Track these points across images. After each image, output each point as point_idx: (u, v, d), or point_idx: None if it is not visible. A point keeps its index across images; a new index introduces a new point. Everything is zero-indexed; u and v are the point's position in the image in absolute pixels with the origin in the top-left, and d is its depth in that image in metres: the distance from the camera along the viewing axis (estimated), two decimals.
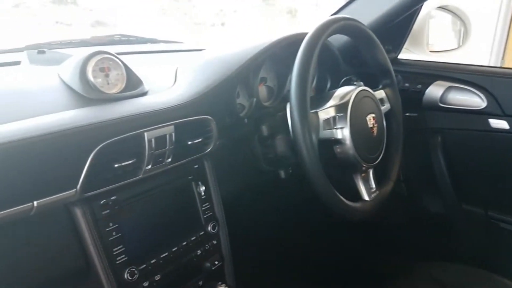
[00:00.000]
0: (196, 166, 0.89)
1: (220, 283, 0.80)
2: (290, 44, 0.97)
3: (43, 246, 0.69)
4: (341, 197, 0.87)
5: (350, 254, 1.48)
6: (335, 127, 0.89)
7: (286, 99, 0.88)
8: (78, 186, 0.67)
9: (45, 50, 1.00)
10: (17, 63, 0.94)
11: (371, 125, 0.96)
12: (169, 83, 0.90)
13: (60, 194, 0.65)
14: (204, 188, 0.90)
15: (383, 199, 0.99)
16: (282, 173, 1.02)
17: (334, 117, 0.90)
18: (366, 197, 0.96)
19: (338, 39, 1.18)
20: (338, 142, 0.89)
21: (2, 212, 0.59)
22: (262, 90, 1.12)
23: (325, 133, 0.88)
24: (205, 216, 0.90)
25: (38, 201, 0.62)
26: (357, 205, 0.92)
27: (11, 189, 0.60)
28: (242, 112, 1.00)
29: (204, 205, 0.90)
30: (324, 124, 0.88)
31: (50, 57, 0.97)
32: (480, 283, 1.06)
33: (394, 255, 1.32)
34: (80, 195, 0.68)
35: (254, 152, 1.01)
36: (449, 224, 1.24)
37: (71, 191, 0.66)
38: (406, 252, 1.24)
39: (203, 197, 0.90)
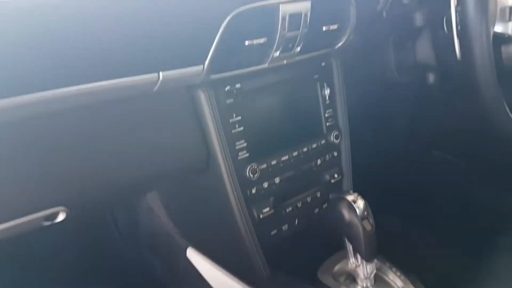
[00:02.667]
0: (323, 64, 0.78)
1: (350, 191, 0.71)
2: None
3: (163, 131, 0.63)
4: None
5: None
6: None
7: None
8: (206, 62, 0.58)
9: None
10: None
11: None
12: None
13: (187, 69, 0.57)
14: (329, 91, 0.79)
15: None
16: (431, 77, 0.85)
17: None
18: None
19: None
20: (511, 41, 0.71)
21: (128, 79, 0.52)
22: None
23: (498, 27, 0.70)
24: (327, 124, 0.80)
25: (164, 72, 0.55)
26: None
27: (138, 54, 0.53)
28: (377, 4, 0.85)
29: (327, 111, 0.80)
30: (500, 14, 0.70)
31: None
32: None
33: None
34: (206, 75, 0.60)
35: (385, 60, 0.87)
36: None
37: (199, 67, 0.58)
38: None
39: (327, 102, 0.80)
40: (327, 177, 0.81)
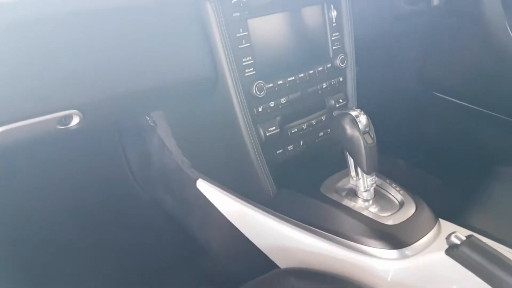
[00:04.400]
0: None
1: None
2: None
3: (171, 42, 0.64)
4: None
5: None
6: None
7: None
8: None
9: None
10: None
11: None
12: None
13: None
14: (336, 13, 0.79)
15: None
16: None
17: None
18: None
19: None
20: None
21: None
22: None
23: None
24: (334, 48, 0.81)
25: None
26: None
27: None
28: None
29: (334, 35, 0.80)
30: None
31: None
32: None
33: None
34: None
35: None
36: None
37: None
38: None
39: (334, 25, 0.80)
40: (332, 101, 0.82)
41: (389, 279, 0.66)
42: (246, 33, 0.68)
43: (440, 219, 0.71)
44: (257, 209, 0.81)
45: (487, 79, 1.24)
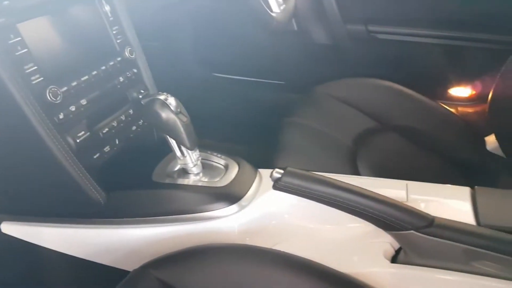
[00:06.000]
0: None
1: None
2: None
3: None
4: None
5: None
6: None
7: None
8: None
9: None
10: None
11: None
12: None
13: None
14: (109, 7, 0.79)
15: (290, 12, 1.02)
16: None
17: None
18: (277, 9, 0.97)
19: None
20: None
21: None
22: None
23: None
24: (118, 41, 0.81)
25: None
26: (273, 14, 0.93)
27: None
28: None
29: (114, 28, 0.80)
30: None
31: None
32: (371, 87, 1.21)
33: (297, 81, 1.42)
34: None
35: None
36: (337, 48, 1.37)
37: None
38: (306, 78, 1.34)
39: (111, 19, 0.80)
40: (135, 93, 0.83)
41: (236, 232, 0.73)
42: (19, 38, 0.62)
43: (259, 169, 0.82)
44: (85, 225, 0.76)
45: (256, 53, 1.44)
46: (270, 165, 0.68)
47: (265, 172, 0.81)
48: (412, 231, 0.59)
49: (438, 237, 0.59)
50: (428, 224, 0.59)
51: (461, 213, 0.65)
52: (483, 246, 0.58)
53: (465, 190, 0.70)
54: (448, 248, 0.59)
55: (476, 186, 0.70)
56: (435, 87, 1.33)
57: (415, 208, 0.60)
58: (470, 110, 1.39)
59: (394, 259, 0.66)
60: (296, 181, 0.64)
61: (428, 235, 0.59)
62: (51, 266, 0.82)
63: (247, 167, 0.80)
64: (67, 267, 0.80)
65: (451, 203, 0.69)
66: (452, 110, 1.25)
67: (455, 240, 0.59)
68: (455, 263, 0.61)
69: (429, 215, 0.60)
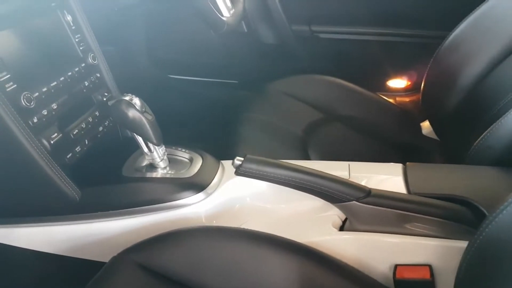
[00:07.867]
0: None
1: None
2: None
3: None
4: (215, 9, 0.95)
5: None
6: None
7: None
8: None
9: None
10: None
11: None
12: None
13: None
14: (71, 17, 0.84)
15: (239, 15, 1.11)
16: None
17: None
18: (228, 13, 1.05)
19: None
20: None
21: None
22: None
23: None
24: (81, 48, 0.86)
25: None
26: (224, 18, 1.01)
27: None
28: None
29: (76, 37, 0.85)
30: None
31: None
32: (316, 83, 1.33)
33: (249, 79, 1.51)
34: None
35: None
36: (284, 47, 1.48)
37: None
38: (257, 76, 1.43)
39: (73, 28, 0.85)
40: (99, 96, 0.88)
41: (204, 217, 0.81)
42: None
43: (221, 161, 0.90)
44: (62, 222, 0.80)
45: (209, 54, 1.52)
46: (231, 157, 0.74)
47: (226, 163, 0.90)
48: (354, 202, 0.70)
49: (376, 205, 0.70)
50: (366, 194, 0.70)
51: (395, 185, 0.77)
52: (414, 210, 0.70)
53: (398, 166, 0.82)
54: (384, 214, 0.71)
55: (407, 162, 0.82)
56: (374, 80, 1.48)
57: (355, 182, 0.72)
58: (406, 99, 1.56)
59: (341, 228, 0.77)
60: (255, 166, 0.73)
61: (367, 204, 0.70)
62: (28, 265, 0.85)
63: (210, 159, 0.88)
64: (44, 265, 0.84)
65: (386, 178, 0.81)
66: (391, 100, 1.40)
67: (390, 207, 0.70)
68: (391, 227, 0.72)
69: (367, 187, 0.71)
